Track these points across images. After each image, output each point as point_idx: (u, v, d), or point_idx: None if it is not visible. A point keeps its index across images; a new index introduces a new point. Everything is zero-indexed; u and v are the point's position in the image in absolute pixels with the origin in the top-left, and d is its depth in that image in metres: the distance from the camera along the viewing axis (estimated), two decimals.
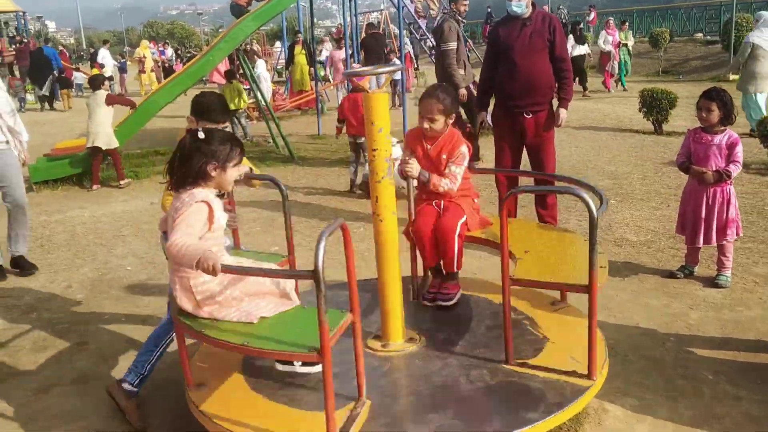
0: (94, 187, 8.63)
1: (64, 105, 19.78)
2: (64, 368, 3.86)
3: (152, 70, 23.64)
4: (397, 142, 7.11)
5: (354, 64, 12.98)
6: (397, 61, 9.98)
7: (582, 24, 18.81)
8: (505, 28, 5.30)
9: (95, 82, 8.89)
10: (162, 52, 30.13)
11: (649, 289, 4.65)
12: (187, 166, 2.70)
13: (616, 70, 16.34)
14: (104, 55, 23.53)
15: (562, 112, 5.31)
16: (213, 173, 2.73)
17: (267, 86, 15.57)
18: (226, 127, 3.42)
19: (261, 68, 15.75)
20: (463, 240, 3.63)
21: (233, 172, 2.81)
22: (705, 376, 3.49)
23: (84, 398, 3.52)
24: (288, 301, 2.79)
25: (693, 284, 4.68)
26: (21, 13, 29.40)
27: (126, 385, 3.32)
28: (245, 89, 13.16)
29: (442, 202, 3.73)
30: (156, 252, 5.85)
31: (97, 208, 7.59)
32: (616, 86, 16.85)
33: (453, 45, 7.94)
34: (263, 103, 11.27)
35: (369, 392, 2.73)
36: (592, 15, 26.04)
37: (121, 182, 8.75)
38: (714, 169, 4.49)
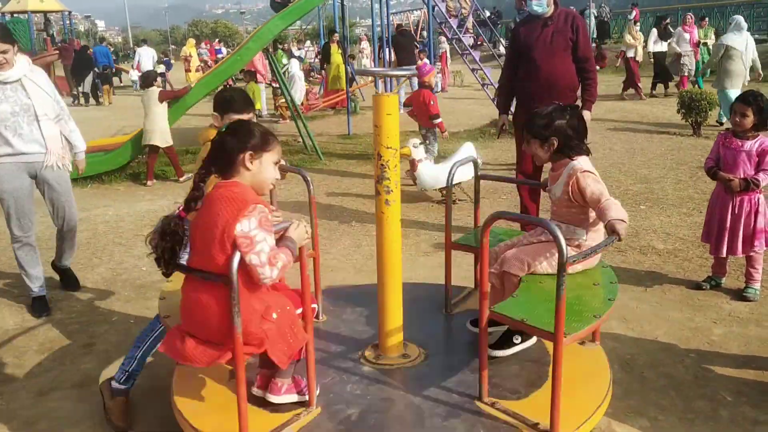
0: (149, 182, 8.81)
1: (106, 100, 20.78)
2: (68, 370, 3.84)
3: (197, 69, 22.69)
4: (420, 144, 7.00)
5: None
6: (427, 61, 9.85)
7: (669, 19, 17.84)
8: (526, 28, 5.15)
9: (147, 80, 9.02)
10: (218, 51, 29.43)
11: (672, 300, 4.44)
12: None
13: (692, 71, 14.43)
14: (141, 54, 23.45)
15: (586, 114, 5.11)
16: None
17: (300, 85, 15.59)
18: (252, 118, 3.31)
19: (294, 67, 15.77)
20: None
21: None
22: (724, 397, 3.30)
23: (85, 401, 3.49)
24: None
25: (719, 296, 4.46)
26: (67, 13, 30.06)
27: (114, 383, 3.32)
28: (275, 87, 13.20)
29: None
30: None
31: (121, 207, 7.64)
32: (693, 87, 15.67)
33: None
34: (291, 102, 11.24)
35: (336, 403, 2.70)
36: (634, 13, 25.42)
37: (180, 179, 8.90)
38: (742, 176, 4.26)
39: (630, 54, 15.69)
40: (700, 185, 7.35)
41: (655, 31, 15.36)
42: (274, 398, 2.72)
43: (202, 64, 23.75)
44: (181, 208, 2.51)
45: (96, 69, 20.96)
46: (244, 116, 3.27)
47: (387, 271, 3.05)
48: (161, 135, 8.68)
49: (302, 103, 14.72)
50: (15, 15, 26.28)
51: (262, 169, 2.53)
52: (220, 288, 2.37)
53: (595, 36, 23.12)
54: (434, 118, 7.69)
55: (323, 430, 2.61)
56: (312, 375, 2.66)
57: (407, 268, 5.14)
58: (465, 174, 7.06)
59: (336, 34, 15.58)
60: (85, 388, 3.63)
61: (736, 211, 4.33)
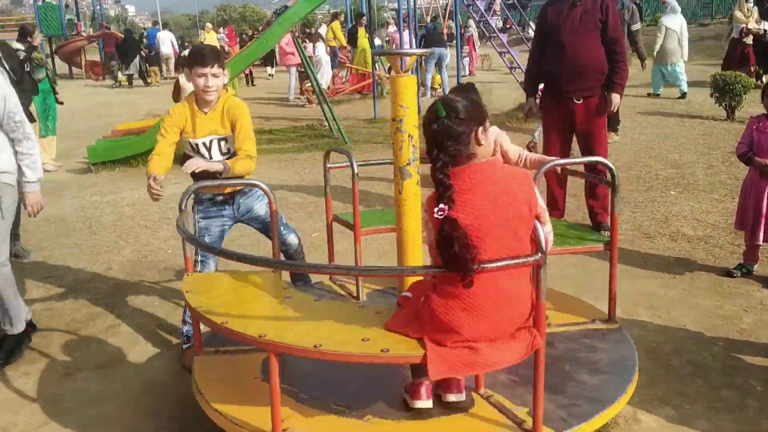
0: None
1: (153, 80, 21.73)
2: (93, 351, 3.89)
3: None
4: None
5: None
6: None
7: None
8: (554, 9, 5.04)
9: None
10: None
11: (701, 288, 4.34)
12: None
13: None
14: (160, 38, 23.20)
15: (615, 97, 5.01)
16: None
17: (327, 69, 15.55)
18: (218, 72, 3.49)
19: (321, 51, 15.71)
20: None
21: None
22: (753, 386, 3.22)
23: (110, 381, 3.54)
24: None
25: (750, 284, 4.35)
26: None
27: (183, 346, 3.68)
28: (301, 72, 13.21)
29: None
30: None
31: None
32: None
33: (638, 26, 9.42)
34: (318, 86, 11.21)
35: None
36: None
37: None
38: None
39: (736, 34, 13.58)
40: (733, 170, 7.18)
41: (756, 9, 14.04)
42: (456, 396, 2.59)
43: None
44: (447, 210, 2.22)
45: (142, 52, 22.06)
46: (215, 70, 3.41)
47: (407, 257, 3.01)
48: None
49: (328, 88, 14.68)
50: (46, 0, 26.57)
51: (489, 139, 2.46)
52: (528, 269, 2.33)
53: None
54: None
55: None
56: None
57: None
58: None
59: (363, 18, 15.48)
60: (110, 368, 3.67)
61: None
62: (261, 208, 3.74)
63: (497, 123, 9.60)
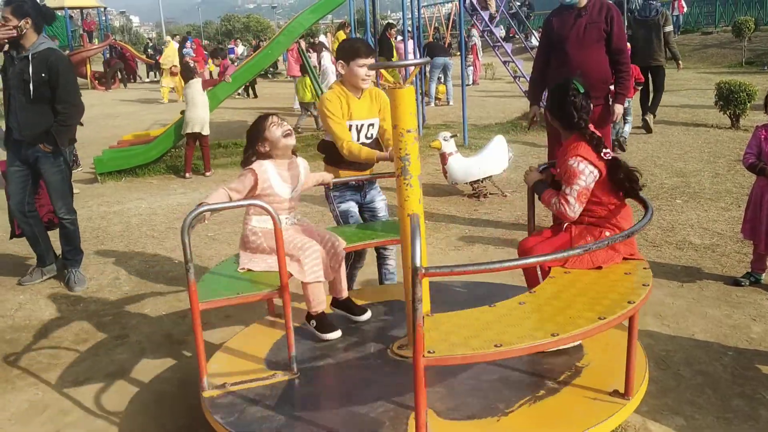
0: (188, 175, 8.96)
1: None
2: (102, 361, 3.90)
3: (172, 73, 18.92)
4: (450, 137, 6.94)
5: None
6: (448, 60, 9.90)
7: None
8: (559, 19, 5.06)
9: (189, 72, 9.15)
10: (230, 50, 25.96)
11: (710, 297, 4.34)
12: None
13: None
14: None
15: (618, 107, 5.03)
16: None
17: (332, 79, 15.58)
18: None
19: (327, 61, 15.75)
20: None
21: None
22: (764, 396, 3.21)
23: (118, 392, 3.54)
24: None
25: (759, 293, 4.34)
26: (102, 9, 30.48)
27: None
28: None
29: (573, 227, 3.20)
30: (203, 246, 5.89)
31: (154, 200, 7.73)
32: None
33: (671, 28, 10.29)
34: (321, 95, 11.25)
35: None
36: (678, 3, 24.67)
37: (207, 173, 9.04)
38: None
39: None
40: (739, 179, 7.18)
41: None
42: None
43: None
44: (609, 153, 3.11)
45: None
46: (370, 60, 3.71)
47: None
48: (203, 124, 8.87)
49: None
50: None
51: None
52: None
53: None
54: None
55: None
56: (290, 342, 2.94)
57: (438, 261, 5.11)
58: (496, 167, 7.01)
59: (393, 28, 15.58)
60: (119, 378, 3.68)
61: None
62: (380, 202, 4.09)
63: (502, 132, 9.63)
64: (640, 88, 9.78)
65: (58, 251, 5.26)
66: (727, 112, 10.21)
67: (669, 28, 10.48)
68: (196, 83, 8.88)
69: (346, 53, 3.76)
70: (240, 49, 26.07)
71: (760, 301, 4.23)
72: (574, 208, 3.06)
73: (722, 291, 4.41)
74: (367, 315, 3.57)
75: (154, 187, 8.54)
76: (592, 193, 3.06)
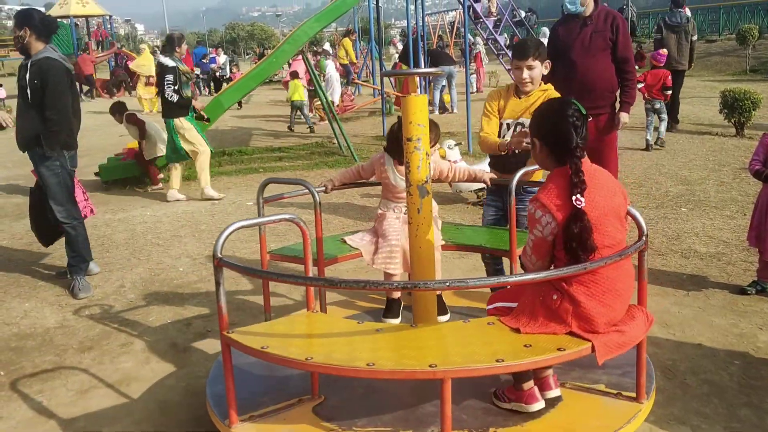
0: (155, 187, 8.79)
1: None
2: (107, 369, 3.89)
3: (148, 84, 18.67)
4: (455, 145, 6.95)
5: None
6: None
7: None
8: (565, 27, 5.08)
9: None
10: (212, 60, 24.34)
11: (716, 305, 4.32)
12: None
13: None
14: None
15: (623, 116, 5.03)
16: None
17: (337, 87, 15.65)
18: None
19: (331, 69, 15.82)
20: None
21: None
22: None
23: (123, 401, 3.53)
24: None
25: (765, 302, 4.33)
26: (108, 17, 30.66)
27: None
28: (310, 90, 13.38)
29: None
30: (209, 253, 5.90)
31: (159, 208, 7.74)
32: None
33: (696, 36, 11.28)
34: (327, 104, 11.28)
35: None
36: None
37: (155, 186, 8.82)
38: None
39: None
40: (744, 187, 7.16)
41: None
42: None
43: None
44: (583, 202, 2.47)
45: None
46: (528, 62, 3.78)
47: (423, 272, 3.01)
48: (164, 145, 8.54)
49: (337, 105, 14.78)
50: (58, 20, 26.90)
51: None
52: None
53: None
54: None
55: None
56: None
57: (443, 269, 5.10)
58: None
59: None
60: (123, 387, 3.67)
61: None
62: (521, 211, 3.87)
63: None
64: (669, 93, 10.04)
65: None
66: (732, 120, 10.21)
67: (695, 36, 11.42)
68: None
69: (512, 53, 3.97)
70: (222, 58, 23.93)
71: (767, 309, 4.21)
72: (531, 259, 2.61)
73: (728, 300, 4.40)
74: (446, 317, 3.61)
75: (158, 195, 8.55)
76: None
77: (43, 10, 5.61)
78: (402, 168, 3.54)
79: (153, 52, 20.80)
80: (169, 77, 7.65)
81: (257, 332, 2.55)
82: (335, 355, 2.28)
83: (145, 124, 8.59)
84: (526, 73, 3.79)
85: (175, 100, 7.68)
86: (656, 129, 9.90)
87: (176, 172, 8.22)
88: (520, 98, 3.88)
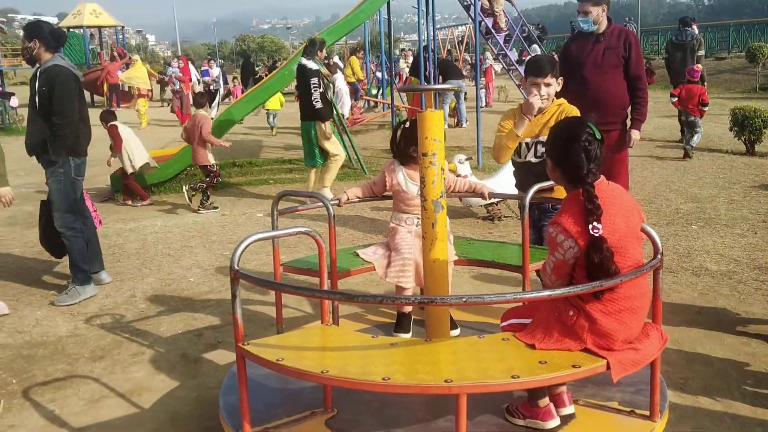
0: (145, 202, 8.61)
1: None
2: (118, 378, 3.91)
3: (141, 96, 18.23)
4: (466, 159, 6.97)
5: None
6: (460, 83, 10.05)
7: None
8: (577, 44, 5.11)
9: (109, 116, 8.77)
10: (205, 73, 23.16)
11: (727, 324, 4.31)
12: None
13: None
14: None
15: (634, 133, 5.05)
16: None
17: (346, 100, 15.72)
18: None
19: (340, 82, 15.89)
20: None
21: None
22: None
23: (133, 411, 3.54)
24: None
25: None
26: (120, 28, 30.94)
27: None
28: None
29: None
30: (219, 264, 5.92)
31: (169, 218, 7.78)
32: None
33: (703, 52, 11.90)
34: (338, 116, 11.32)
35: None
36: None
37: (145, 201, 8.68)
38: None
39: None
40: (755, 205, 7.15)
41: None
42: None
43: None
44: (600, 229, 2.42)
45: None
46: (544, 80, 3.81)
47: (436, 286, 3.02)
48: (141, 159, 8.57)
49: (347, 118, 14.83)
50: (71, 30, 27.16)
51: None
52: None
53: None
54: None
55: None
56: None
57: (453, 284, 5.11)
58: (510, 190, 7.01)
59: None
60: (134, 397, 3.68)
61: None
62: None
63: None
64: (706, 109, 10.31)
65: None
66: (742, 138, 10.20)
67: (701, 52, 11.77)
68: (119, 123, 8.50)
69: (525, 70, 4.01)
70: (215, 71, 22.44)
71: None
72: (551, 278, 2.61)
73: (740, 318, 4.38)
74: (457, 332, 3.62)
75: (169, 205, 8.60)
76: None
77: (56, 20, 5.69)
78: (412, 172, 3.61)
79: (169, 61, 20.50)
80: (314, 80, 7.67)
81: (272, 344, 2.56)
82: (350, 369, 2.28)
83: (123, 142, 8.36)
84: (543, 90, 3.81)
85: (321, 104, 7.72)
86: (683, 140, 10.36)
87: (314, 176, 8.33)
88: (535, 116, 3.90)
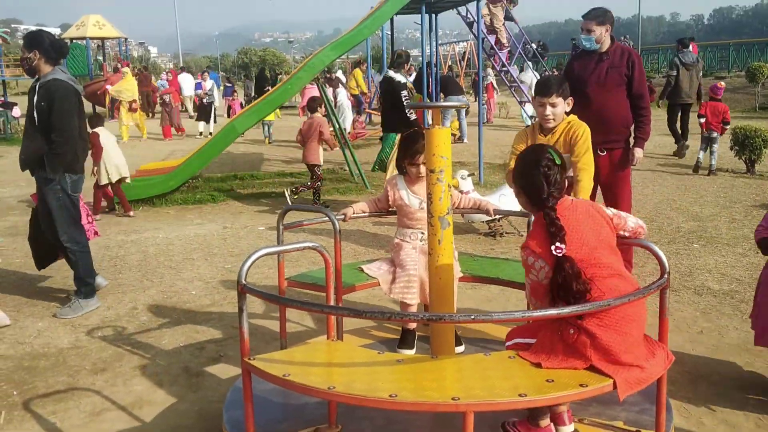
0: (98, 216, 8.37)
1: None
2: (120, 391, 3.89)
3: (131, 110, 17.51)
4: (468, 175, 6.99)
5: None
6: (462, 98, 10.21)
7: None
8: (580, 63, 5.13)
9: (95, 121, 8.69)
10: (197, 86, 22.32)
11: (730, 344, 4.31)
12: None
13: None
14: (181, 81, 24.08)
15: (638, 151, 5.06)
16: None
17: (348, 114, 15.80)
18: None
19: (342, 96, 15.98)
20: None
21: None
22: None
23: (135, 424, 3.53)
24: None
25: None
26: (123, 39, 31.06)
27: None
28: (323, 116, 13.43)
29: None
30: (221, 277, 5.92)
31: (171, 230, 7.78)
32: None
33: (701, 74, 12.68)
34: (340, 130, 11.37)
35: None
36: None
37: (131, 213, 8.64)
38: None
39: None
40: (756, 224, 7.14)
41: None
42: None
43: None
44: (564, 249, 2.49)
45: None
46: (551, 99, 3.89)
47: (442, 302, 3.03)
48: (119, 169, 8.44)
49: (349, 132, 14.90)
50: (74, 41, 27.28)
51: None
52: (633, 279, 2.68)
53: None
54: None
55: None
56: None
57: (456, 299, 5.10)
58: (512, 206, 7.03)
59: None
60: (136, 410, 3.67)
61: None
62: None
63: None
64: (728, 127, 10.62)
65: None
66: (743, 158, 10.24)
67: (701, 72, 12.84)
68: (104, 131, 8.41)
69: (534, 90, 4.02)
70: (208, 83, 20.70)
71: None
72: (531, 300, 2.72)
73: (742, 338, 4.38)
74: (461, 348, 3.62)
75: (170, 217, 8.61)
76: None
77: (59, 30, 5.67)
78: (414, 186, 3.64)
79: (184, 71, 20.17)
80: (405, 93, 7.99)
81: (278, 359, 2.56)
82: (356, 385, 2.28)
83: (102, 152, 8.20)
84: (548, 110, 3.85)
85: (414, 117, 8.00)
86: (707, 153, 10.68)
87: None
88: (545, 135, 3.92)
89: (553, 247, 2.48)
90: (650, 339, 2.67)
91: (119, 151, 8.62)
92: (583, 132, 4.00)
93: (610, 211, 2.76)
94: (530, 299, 2.71)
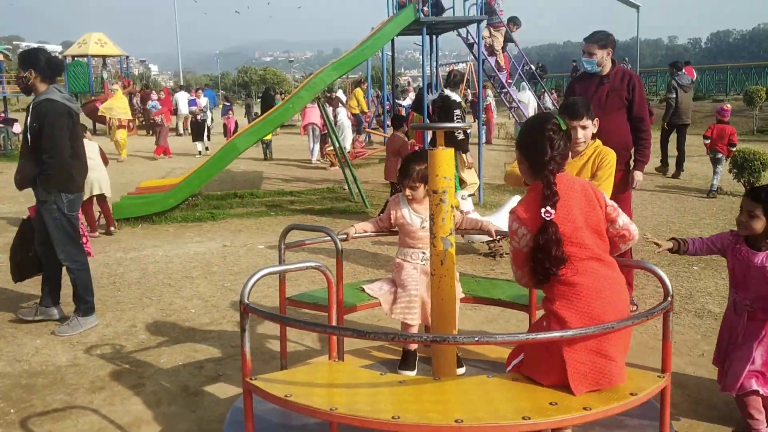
0: (96, 233, 8.42)
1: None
2: (118, 410, 3.87)
3: (120, 126, 17.01)
4: (468, 196, 7.00)
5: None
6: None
7: None
8: (581, 85, 5.17)
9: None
10: (192, 102, 22.06)
11: None
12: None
13: None
14: (178, 99, 24.13)
15: (637, 174, 5.09)
16: None
17: (348, 133, 15.85)
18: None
19: (342, 116, 16.04)
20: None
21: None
22: None
23: None
24: None
25: None
26: (124, 57, 31.26)
27: None
28: (323, 135, 13.52)
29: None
30: (220, 295, 5.90)
31: (171, 248, 7.77)
32: None
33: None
34: (340, 149, 11.41)
35: None
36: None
37: (111, 228, 8.64)
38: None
39: None
40: None
41: None
42: None
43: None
44: (552, 214, 2.51)
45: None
46: (580, 122, 3.85)
47: (444, 324, 3.02)
48: (100, 184, 8.43)
49: (349, 151, 14.95)
50: (76, 58, 27.44)
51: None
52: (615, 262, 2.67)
53: None
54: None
55: None
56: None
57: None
58: None
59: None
60: (135, 428, 3.65)
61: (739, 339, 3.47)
62: None
63: (518, 192, 9.69)
64: (734, 149, 10.63)
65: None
66: (742, 180, 10.27)
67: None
68: (89, 144, 8.13)
69: (560, 113, 3.89)
70: (203, 101, 20.78)
71: None
72: (516, 273, 2.73)
73: None
74: (462, 370, 3.60)
75: (170, 234, 8.60)
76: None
77: (60, 47, 5.68)
78: (416, 205, 3.65)
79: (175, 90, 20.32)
80: (458, 112, 8.13)
81: (279, 379, 2.55)
82: (358, 406, 2.27)
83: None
84: (580, 133, 3.85)
85: (463, 135, 8.14)
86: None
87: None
88: (573, 158, 3.91)
89: (543, 210, 2.49)
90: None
91: (102, 167, 8.49)
92: (611, 159, 3.98)
93: (611, 203, 2.75)
94: (513, 270, 2.74)
